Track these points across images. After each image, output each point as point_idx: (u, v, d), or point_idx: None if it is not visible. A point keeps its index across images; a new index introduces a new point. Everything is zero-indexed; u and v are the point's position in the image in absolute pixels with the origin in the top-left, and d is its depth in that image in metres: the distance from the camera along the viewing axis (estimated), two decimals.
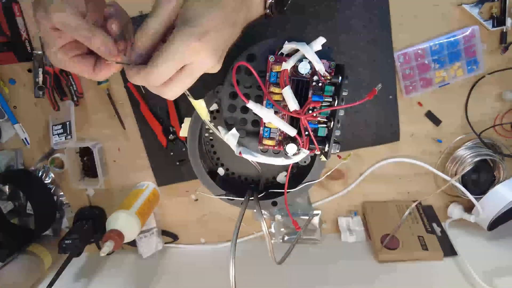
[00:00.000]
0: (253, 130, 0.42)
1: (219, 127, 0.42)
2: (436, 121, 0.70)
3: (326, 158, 0.41)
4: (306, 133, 0.37)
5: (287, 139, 0.39)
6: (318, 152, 0.39)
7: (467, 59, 0.65)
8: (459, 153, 0.70)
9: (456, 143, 0.71)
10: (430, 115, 0.70)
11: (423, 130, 0.71)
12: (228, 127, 0.42)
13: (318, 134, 0.39)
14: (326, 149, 0.38)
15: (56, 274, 0.66)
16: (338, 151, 0.39)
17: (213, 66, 0.32)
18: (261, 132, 0.41)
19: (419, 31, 0.65)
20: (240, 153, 0.41)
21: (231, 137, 0.41)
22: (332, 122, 0.37)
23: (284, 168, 0.51)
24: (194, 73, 0.32)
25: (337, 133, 0.39)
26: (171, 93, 0.32)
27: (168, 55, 0.29)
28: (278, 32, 0.66)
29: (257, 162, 0.46)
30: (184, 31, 0.30)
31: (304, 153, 0.39)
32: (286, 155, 0.40)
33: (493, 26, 0.63)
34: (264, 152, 0.42)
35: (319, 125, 0.39)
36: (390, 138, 0.71)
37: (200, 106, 0.38)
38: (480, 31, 0.63)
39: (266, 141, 0.40)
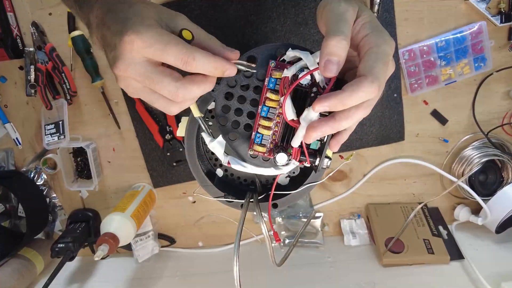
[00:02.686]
0: (244, 134, 0.42)
1: (204, 135, 0.42)
2: (442, 120, 0.70)
3: (315, 171, 0.42)
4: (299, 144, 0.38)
5: (278, 147, 0.40)
6: (308, 165, 0.39)
7: (474, 56, 0.65)
8: (466, 153, 0.70)
9: (463, 143, 0.71)
10: (436, 114, 0.70)
11: (428, 129, 0.71)
12: (220, 128, 0.42)
13: (311, 147, 0.40)
14: (317, 162, 0.39)
15: (48, 279, 0.66)
16: (328, 166, 0.40)
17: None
18: (252, 137, 0.41)
19: (425, 27, 0.65)
20: (228, 163, 0.41)
21: (217, 145, 0.41)
22: (326, 137, 0.37)
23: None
24: (371, 105, 0.33)
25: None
26: (352, 120, 0.33)
27: (383, 59, 0.31)
28: (280, 33, 0.66)
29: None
30: (382, 34, 0.32)
31: (294, 164, 0.40)
32: (275, 165, 0.40)
33: (501, 22, 0.63)
34: (254, 157, 0.43)
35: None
36: (394, 137, 0.72)
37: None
38: (488, 27, 0.63)
39: (257, 147, 0.41)
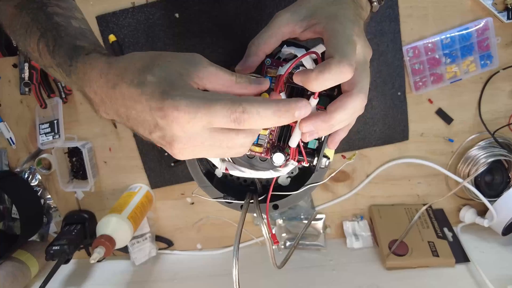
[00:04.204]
0: None
1: None
2: (447, 119, 0.70)
3: (313, 172, 0.42)
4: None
5: (275, 147, 0.40)
6: (306, 165, 0.39)
7: (480, 53, 0.65)
8: (472, 153, 0.70)
9: (468, 143, 0.71)
10: (441, 113, 0.70)
11: (433, 128, 0.71)
12: None
13: (308, 146, 0.40)
14: (315, 162, 0.39)
15: (43, 282, 0.66)
16: (327, 166, 0.40)
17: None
18: None
19: (429, 23, 0.65)
20: (226, 169, 0.41)
21: None
22: (324, 136, 0.37)
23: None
24: (360, 93, 0.33)
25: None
26: (344, 111, 0.33)
27: (346, 40, 0.32)
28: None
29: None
30: (339, 20, 0.33)
31: (293, 164, 0.40)
32: (273, 167, 0.40)
33: (508, 18, 0.63)
34: (251, 158, 0.43)
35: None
36: (398, 137, 0.72)
37: None
38: (494, 24, 0.63)
39: (253, 147, 0.41)
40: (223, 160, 0.42)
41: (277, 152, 0.39)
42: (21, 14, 0.40)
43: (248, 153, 0.42)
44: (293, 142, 0.37)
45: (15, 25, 0.40)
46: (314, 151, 0.40)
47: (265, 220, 0.40)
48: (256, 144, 0.41)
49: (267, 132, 0.40)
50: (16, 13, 0.40)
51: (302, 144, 0.38)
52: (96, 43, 0.39)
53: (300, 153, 0.39)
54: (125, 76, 0.29)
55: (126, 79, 0.29)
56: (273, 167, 0.42)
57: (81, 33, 0.39)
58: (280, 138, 0.41)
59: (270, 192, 0.43)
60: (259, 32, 0.37)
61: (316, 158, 0.39)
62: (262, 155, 0.41)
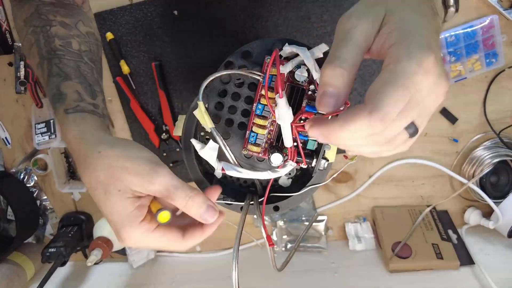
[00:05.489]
0: (238, 133, 0.42)
1: (193, 141, 0.42)
2: (451, 118, 0.70)
3: (312, 173, 0.42)
4: (295, 144, 0.38)
5: (273, 148, 0.40)
6: (304, 166, 0.39)
7: (485, 51, 0.65)
8: (477, 154, 0.70)
9: (473, 143, 0.71)
10: (445, 113, 0.70)
11: (437, 128, 0.71)
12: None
13: (307, 147, 0.40)
14: (313, 164, 0.39)
15: (39, 285, 0.66)
16: (326, 168, 0.40)
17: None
18: (247, 136, 0.41)
19: None
20: (222, 169, 0.41)
21: (209, 152, 0.39)
22: None
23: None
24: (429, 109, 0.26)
25: (327, 148, 0.39)
26: (401, 148, 0.27)
27: (395, 81, 0.24)
28: (282, 28, 0.66)
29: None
30: (410, 44, 0.25)
31: (291, 165, 0.40)
32: (271, 167, 0.40)
33: None
34: (248, 158, 0.43)
35: (310, 138, 0.39)
36: None
37: (200, 111, 0.38)
38: (500, 21, 0.63)
39: (251, 147, 0.41)
40: (220, 160, 0.42)
41: (275, 152, 0.38)
42: (27, 30, 0.43)
43: (245, 153, 0.42)
44: (287, 142, 0.37)
45: (22, 37, 0.45)
46: (313, 152, 0.40)
47: (266, 222, 0.40)
48: (254, 143, 0.41)
49: (265, 131, 0.40)
50: (24, 27, 0.44)
51: (301, 145, 0.38)
52: (81, 92, 0.41)
53: (298, 154, 0.38)
54: (91, 180, 0.34)
55: (92, 183, 0.35)
56: (271, 168, 0.42)
57: (73, 71, 0.42)
58: (278, 138, 0.41)
59: (267, 193, 0.43)
60: (332, 49, 0.28)
61: (315, 160, 0.39)
62: (260, 155, 0.41)
